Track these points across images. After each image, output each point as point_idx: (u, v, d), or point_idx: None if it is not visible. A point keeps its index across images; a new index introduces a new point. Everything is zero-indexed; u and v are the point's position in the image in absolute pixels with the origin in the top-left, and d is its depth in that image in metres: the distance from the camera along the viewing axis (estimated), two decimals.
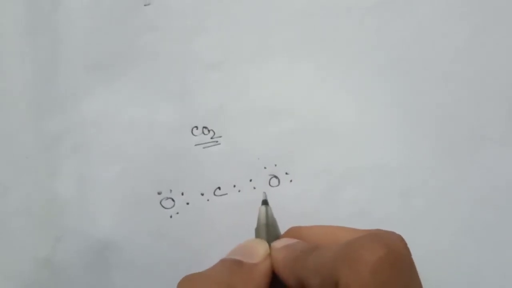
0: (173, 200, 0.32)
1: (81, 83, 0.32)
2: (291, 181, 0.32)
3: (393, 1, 0.32)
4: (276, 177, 0.32)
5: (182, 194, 0.32)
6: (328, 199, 0.32)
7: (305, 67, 0.32)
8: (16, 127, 0.32)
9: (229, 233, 0.31)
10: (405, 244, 0.20)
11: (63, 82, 0.32)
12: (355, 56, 0.32)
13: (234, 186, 0.32)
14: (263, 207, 0.28)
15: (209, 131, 0.32)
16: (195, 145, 0.32)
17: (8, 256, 0.31)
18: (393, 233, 0.20)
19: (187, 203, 0.32)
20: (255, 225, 0.27)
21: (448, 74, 0.33)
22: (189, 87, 0.32)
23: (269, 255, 0.24)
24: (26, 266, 0.31)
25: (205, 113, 0.32)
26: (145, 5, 0.32)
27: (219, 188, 0.32)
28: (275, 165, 0.32)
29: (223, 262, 0.24)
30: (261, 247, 0.25)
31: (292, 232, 0.26)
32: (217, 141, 0.32)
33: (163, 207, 0.32)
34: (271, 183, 0.32)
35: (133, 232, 0.31)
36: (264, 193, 0.29)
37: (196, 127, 0.32)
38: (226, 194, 0.32)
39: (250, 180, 0.32)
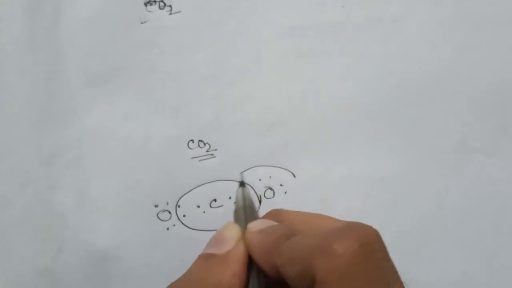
0: (169, 212, 0.32)
1: (80, 98, 0.32)
2: (285, 192, 0.33)
3: (381, 19, 0.33)
4: (270, 188, 0.33)
5: (179, 206, 0.32)
6: (322, 210, 0.32)
7: (297, 80, 0.33)
8: (17, 141, 0.32)
9: None
10: (379, 237, 0.20)
11: (62, 97, 0.32)
12: (346, 70, 0.33)
13: (230, 198, 0.32)
14: (240, 189, 0.27)
15: (204, 144, 0.33)
16: (191, 158, 0.32)
17: (10, 267, 0.32)
18: (367, 226, 0.21)
19: (184, 215, 0.32)
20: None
21: (436, 87, 0.33)
22: (185, 101, 0.33)
23: (242, 238, 0.24)
24: (28, 277, 0.32)
25: (201, 127, 0.33)
26: (141, 23, 0.32)
27: (215, 200, 0.32)
28: (270, 177, 0.33)
29: (199, 258, 0.24)
30: (230, 232, 0.24)
31: (272, 215, 0.26)
32: (212, 154, 0.32)
33: (160, 219, 0.32)
34: (266, 195, 0.32)
35: (131, 244, 0.32)
36: (241, 174, 0.29)
37: (192, 140, 0.33)
38: (222, 206, 0.32)
39: None
